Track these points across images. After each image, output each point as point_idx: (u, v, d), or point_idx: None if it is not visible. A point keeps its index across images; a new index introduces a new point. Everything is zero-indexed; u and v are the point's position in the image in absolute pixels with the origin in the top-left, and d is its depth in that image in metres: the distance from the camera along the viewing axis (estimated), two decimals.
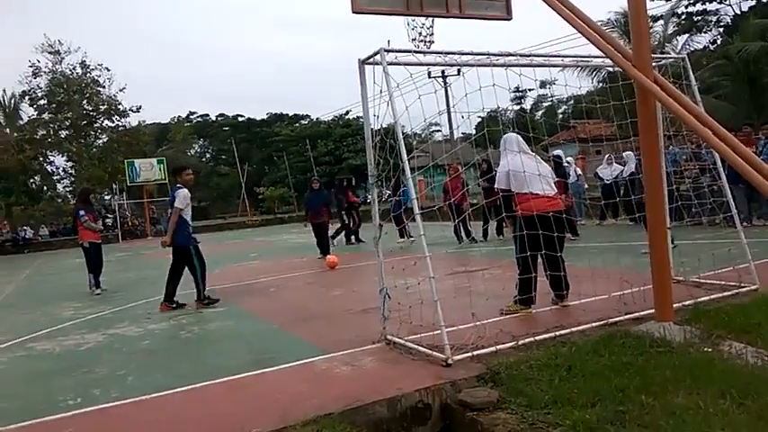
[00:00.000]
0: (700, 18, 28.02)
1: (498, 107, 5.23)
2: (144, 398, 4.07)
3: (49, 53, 33.76)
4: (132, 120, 36.78)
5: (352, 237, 14.88)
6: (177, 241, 7.52)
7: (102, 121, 35.75)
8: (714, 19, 28.39)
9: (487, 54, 5.00)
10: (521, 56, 5.17)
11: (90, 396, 4.26)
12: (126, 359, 5.28)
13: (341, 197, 15.05)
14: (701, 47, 27.14)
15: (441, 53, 4.90)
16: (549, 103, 49.25)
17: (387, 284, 4.91)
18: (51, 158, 35.37)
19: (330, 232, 12.67)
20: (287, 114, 56.52)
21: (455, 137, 26.66)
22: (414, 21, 5.50)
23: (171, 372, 4.72)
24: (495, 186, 5.66)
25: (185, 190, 7.56)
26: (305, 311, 6.74)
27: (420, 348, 4.40)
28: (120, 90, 35.13)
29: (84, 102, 34.58)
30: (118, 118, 35.57)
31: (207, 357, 5.09)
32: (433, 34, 5.66)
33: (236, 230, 30.71)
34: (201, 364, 4.87)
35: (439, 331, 4.19)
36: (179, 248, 7.57)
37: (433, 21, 5.55)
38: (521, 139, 5.70)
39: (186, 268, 7.61)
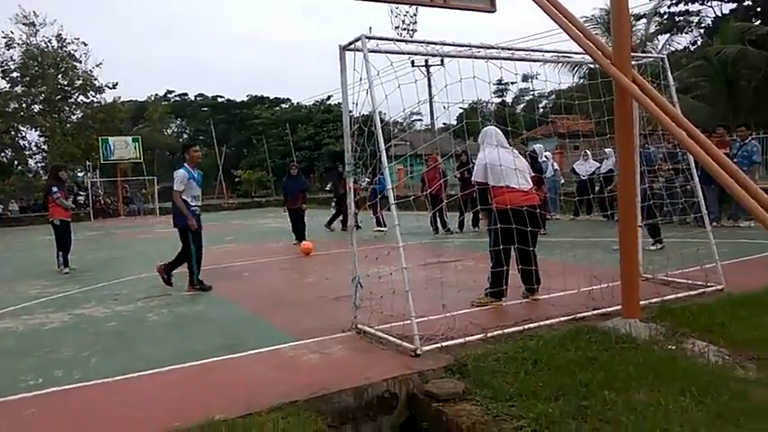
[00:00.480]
0: (681, 18, 28.39)
1: (479, 99, 5.24)
2: (107, 380, 4.01)
3: (24, 24, 32.90)
4: (108, 96, 36.08)
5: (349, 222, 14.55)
6: (177, 222, 7.33)
7: (77, 97, 34.97)
8: (696, 20, 28.79)
9: (469, 45, 4.98)
10: (502, 49, 5.16)
11: (52, 377, 4.18)
12: (91, 340, 5.19)
13: (336, 184, 14.83)
14: (682, 47, 27.51)
15: (422, 43, 4.87)
16: (531, 97, 49.49)
17: (360, 273, 4.90)
18: (23, 133, 34.56)
19: (331, 218, 12.52)
20: (267, 97, 55.89)
21: (435, 127, 26.72)
22: (398, 8, 5.45)
23: (137, 354, 4.65)
24: (473, 179, 5.67)
25: (182, 170, 7.28)
26: (277, 297, 6.71)
27: (390, 338, 4.41)
28: (97, 65, 34.44)
29: (59, 76, 33.76)
30: (93, 94, 34.87)
31: (174, 341, 5.03)
32: (416, 23, 5.61)
33: (212, 213, 30.31)
34: (169, 347, 4.82)
35: (409, 321, 4.19)
36: (179, 230, 7.37)
37: (416, 9, 5.51)
38: (499, 132, 5.71)
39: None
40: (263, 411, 3.24)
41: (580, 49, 4.82)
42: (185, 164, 7.41)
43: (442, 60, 6.04)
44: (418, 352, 4.06)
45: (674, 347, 3.97)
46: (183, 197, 7.22)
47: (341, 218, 14.50)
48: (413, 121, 52.70)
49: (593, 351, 3.87)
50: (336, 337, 4.73)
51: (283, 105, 53.97)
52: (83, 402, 3.69)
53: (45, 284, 8.66)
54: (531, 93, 44.66)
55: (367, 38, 4.47)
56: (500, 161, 5.35)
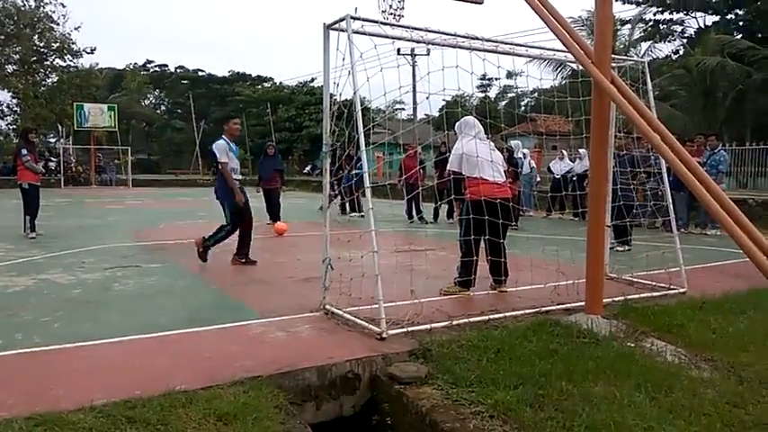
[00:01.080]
0: (665, 27, 28.75)
1: (462, 91, 5.26)
2: (68, 346, 3.96)
3: None
4: (85, 62, 35.14)
5: (347, 207, 14.28)
6: (221, 195, 7.16)
7: (53, 60, 33.97)
8: (679, 29, 29.20)
9: (454, 35, 4.98)
10: (486, 41, 5.18)
11: (11, 340, 4.11)
12: (54, 306, 5.11)
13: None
14: (664, 55, 27.91)
15: (407, 28, 4.85)
16: (514, 94, 49.79)
17: (331, 255, 4.91)
18: None
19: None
20: (250, 75, 55.13)
21: (417, 117, 26.72)
22: None
23: (99, 322, 4.60)
24: (448, 168, 5.70)
25: (221, 141, 7.12)
26: (247, 275, 6.67)
27: (357, 320, 4.43)
28: (75, 29, 33.43)
29: (36, 37, 32.72)
30: (70, 58, 33.85)
31: (139, 312, 4.98)
32: (403, 8, 5.61)
33: (187, 188, 30.00)
34: (133, 317, 4.77)
35: (377, 305, 4.22)
36: (221, 204, 7.20)
37: None
38: (478, 123, 5.74)
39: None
40: (225, 385, 3.24)
41: (563, 48, 4.87)
42: (224, 135, 7.24)
43: (428, 50, 6.05)
44: (384, 335, 4.10)
45: (632, 345, 4.07)
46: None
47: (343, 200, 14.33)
48: (396, 109, 52.58)
49: (555, 344, 3.95)
50: (304, 316, 4.74)
51: (265, 84, 53.22)
52: (41, 366, 3.64)
53: (10, 248, 8.48)
54: (515, 90, 44.94)
55: (352, 18, 4.45)
56: (477, 152, 5.39)
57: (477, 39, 5.09)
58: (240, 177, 7.35)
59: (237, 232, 7.28)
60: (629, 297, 5.28)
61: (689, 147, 10.92)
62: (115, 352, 3.91)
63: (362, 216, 12.03)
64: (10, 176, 20.79)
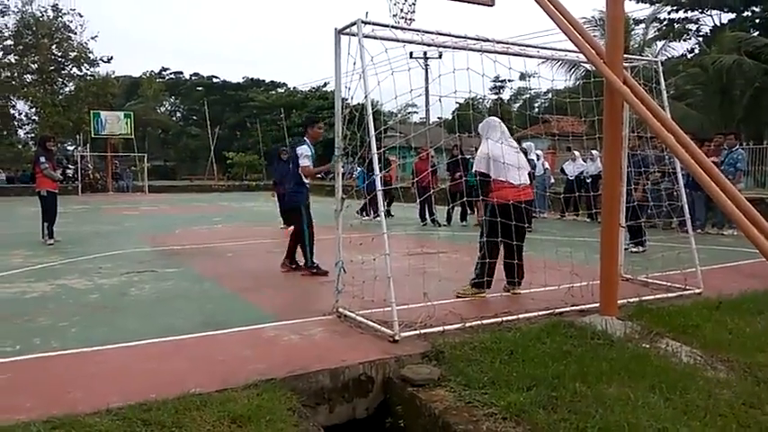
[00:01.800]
0: (680, 25, 28.48)
1: (475, 94, 5.23)
2: (85, 350, 4.02)
3: None
4: (102, 70, 35.64)
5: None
6: (291, 203, 7.13)
7: (71, 69, 34.46)
8: (694, 28, 28.90)
9: (465, 37, 4.99)
10: (497, 43, 5.17)
11: (30, 344, 4.18)
12: (71, 311, 5.18)
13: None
14: (679, 54, 27.66)
15: (418, 31, 4.87)
16: (527, 96, 49.61)
17: (343, 258, 4.93)
18: (14, 102, 34.08)
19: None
20: (263, 81, 55.48)
21: (430, 120, 26.71)
22: None
23: (116, 327, 4.65)
24: (474, 168, 5.66)
25: (306, 146, 6.98)
26: (260, 279, 6.72)
27: (369, 323, 4.45)
28: (92, 38, 33.91)
29: (54, 47, 33.24)
30: (87, 67, 34.33)
31: (155, 316, 5.03)
32: (414, 12, 5.62)
33: (202, 193, 30.27)
34: (149, 322, 4.82)
35: (389, 308, 4.23)
36: (293, 209, 7.13)
37: None
38: (502, 124, 5.72)
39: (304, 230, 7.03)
40: (239, 387, 3.27)
41: (575, 48, 4.86)
42: (306, 139, 7.13)
43: (440, 53, 6.06)
44: (396, 338, 4.11)
45: (647, 346, 4.04)
46: (303, 172, 6.96)
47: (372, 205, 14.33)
48: (408, 112, 52.64)
49: (568, 345, 3.92)
50: (317, 319, 4.76)
51: (279, 90, 53.56)
52: (58, 370, 3.70)
53: (28, 255, 8.61)
54: (528, 91, 44.77)
55: (363, 22, 4.47)
56: (503, 155, 5.39)
57: (488, 41, 5.08)
58: (308, 182, 7.24)
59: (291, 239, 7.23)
60: (643, 298, 5.23)
61: (706, 147, 10.82)
62: (131, 356, 3.95)
63: (369, 218, 12.07)
64: (29, 184, 21.14)
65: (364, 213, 12.54)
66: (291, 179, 7.12)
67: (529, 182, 5.70)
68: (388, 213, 14.38)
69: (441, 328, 4.29)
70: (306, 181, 7.08)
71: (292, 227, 10.80)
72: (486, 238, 5.45)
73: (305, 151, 6.96)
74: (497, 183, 5.43)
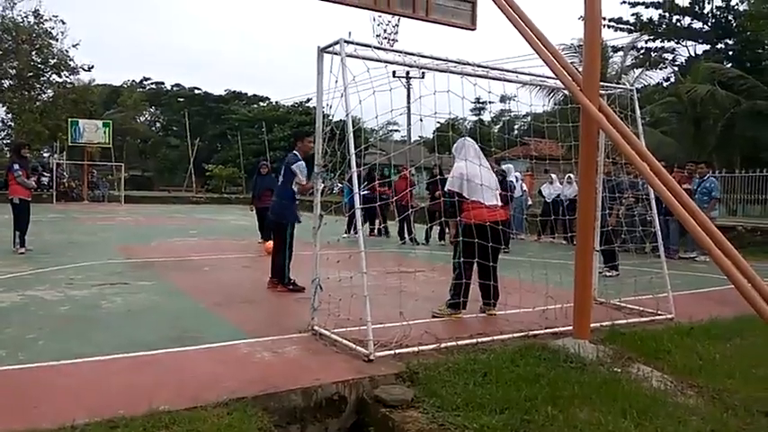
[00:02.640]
0: (656, 54, 29.18)
1: (454, 115, 5.30)
2: (52, 363, 3.93)
3: None
4: (82, 78, 35.29)
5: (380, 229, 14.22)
6: (279, 217, 6.96)
7: (50, 76, 34.04)
8: (670, 57, 29.64)
9: (446, 60, 5.06)
10: (478, 66, 5.25)
11: None
12: (40, 323, 5.07)
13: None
14: (655, 82, 28.29)
15: (400, 52, 4.93)
16: (507, 117, 50.27)
17: (320, 275, 4.91)
18: None
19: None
20: (246, 94, 55.42)
21: (411, 139, 26.91)
22: (380, 17, 5.52)
23: (86, 340, 4.56)
24: (447, 187, 5.70)
25: (301, 162, 6.80)
26: (235, 294, 6.65)
27: (344, 342, 4.43)
28: (74, 46, 33.56)
29: (33, 53, 32.84)
30: (67, 74, 34.00)
31: (126, 330, 4.94)
32: (397, 33, 5.69)
33: (180, 205, 29.95)
34: (119, 335, 4.73)
35: (365, 327, 4.22)
36: (279, 224, 6.97)
37: (399, 20, 5.59)
38: (477, 147, 5.78)
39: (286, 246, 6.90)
40: (209, 406, 3.22)
41: (553, 75, 4.95)
42: (297, 153, 6.95)
43: (422, 74, 6.13)
44: (371, 357, 4.09)
45: (619, 370, 4.08)
46: (294, 188, 6.86)
47: (381, 224, 14.35)
48: (390, 131, 52.94)
49: (541, 368, 3.94)
50: (291, 337, 4.73)
51: (261, 103, 53.52)
52: (24, 384, 3.61)
53: None
54: (508, 113, 45.36)
55: (346, 42, 4.51)
56: (474, 176, 5.43)
57: (469, 64, 5.16)
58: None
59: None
60: (616, 322, 5.29)
61: (678, 173, 11.06)
62: (100, 370, 3.88)
63: (349, 236, 12.07)
64: (1, 190, 20.71)
65: (353, 231, 12.53)
66: (280, 194, 6.98)
67: (501, 203, 5.75)
68: (384, 231, 14.26)
69: (416, 349, 4.29)
70: (298, 196, 7.01)
71: (270, 242, 10.80)
72: (458, 259, 5.47)
73: (301, 167, 6.83)
74: (467, 203, 5.46)
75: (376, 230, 14.48)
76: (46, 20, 32.84)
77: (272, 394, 3.47)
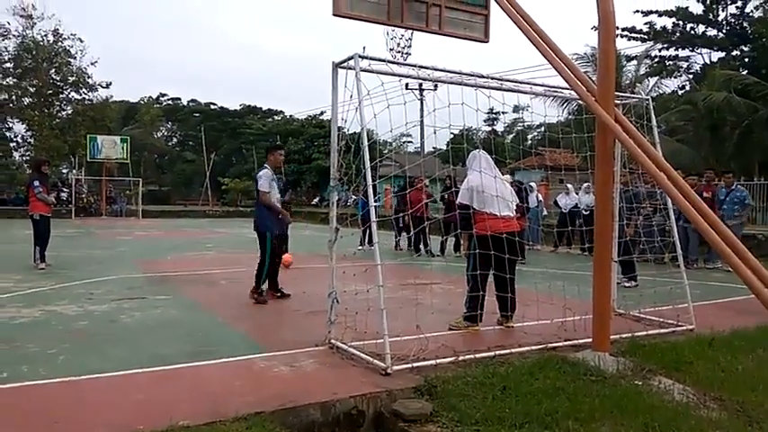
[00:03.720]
0: (671, 63, 29.04)
1: (468, 126, 5.31)
2: (72, 378, 3.97)
3: (21, 16, 32.65)
4: (100, 95, 35.83)
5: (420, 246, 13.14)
6: (259, 227, 7.08)
7: (69, 93, 34.67)
8: (685, 65, 29.47)
9: (459, 73, 5.08)
10: (492, 79, 5.26)
11: (17, 372, 4.12)
12: (60, 338, 5.13)
13: (399, 200, 13.72)
14: (670, 91, 28.10)
15: (414, 66, 4.95)
16: (521, 127, 50.22)
17: (337, 289, 4.91)
18: (10, 124, 34.16)
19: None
20: (260, 108, 55.98)
21: (425, 150, 26.95)
22: (393, 31, 5.57)
23: (105, 355, 4.60)
24: (457, 201, 5.71)
25: (268, 170, 7.02)
26: (252, 307, 6.68)
27: (362, 355, 4.42)
28: (92, 63, 34.17)
29: (53, 71, 33.51)
30: (86, 91, 34.58)
31: (144, 344, 4.98)
32: (410, 47, 5.74)
33: (196, 219, 30.19)
34: (138, 350, 4.77)
35: (382, 340, 4.21)
36: (260, 234, 7.11)
37: (412, 33, 5.63)
38: (489, 158, 5.78)
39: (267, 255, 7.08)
40: (228, 420, 3.23)
41: (567, 85, 4.95)
42: (266, 165, 7.14)
43: (435, 85, 6.15)
44: (389, 371, 4.08)
45: (640, 383, 4.02)
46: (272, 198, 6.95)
47: (407, 235, 13.94)
48: (404, 142, 53.09)
49: (561, 381, 3.90)
50: (309, 350, 4.73)
51: (276, 117, 54.05)
52: (45, 399, 3.64)
53: (19, 279, 8.54)
54: (521, 124, 45.24)
55: (360, 57, 4.55)
56: (485, 187, 5.43)
57: (483, 77, 5.18)
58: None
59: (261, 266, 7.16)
60: (636, 334, 5.23)
61: (690, 180, 10.95)
62: (119, 385, 3.90)
63: (364, 248, 12.07)
64: (22, 206, 21.03)
65: (367, 243, 12.53)
66: (258, 205, 7.13)
67: (513, 214, 5.72)
68: (440, 250, 13.16)
69: (433, 362, 4.27)
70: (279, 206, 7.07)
71: (285, 255, 10.85)
72: (471, 271, 5.45)
73: (265, 176, 6.98)
74: (479, 214, 5.46)
75: (406, 245, 14.03)
76: (65, 38, 33.55)
77: (290, 409, 3.47)
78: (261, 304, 6.85)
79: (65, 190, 31.19)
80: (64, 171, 39.54)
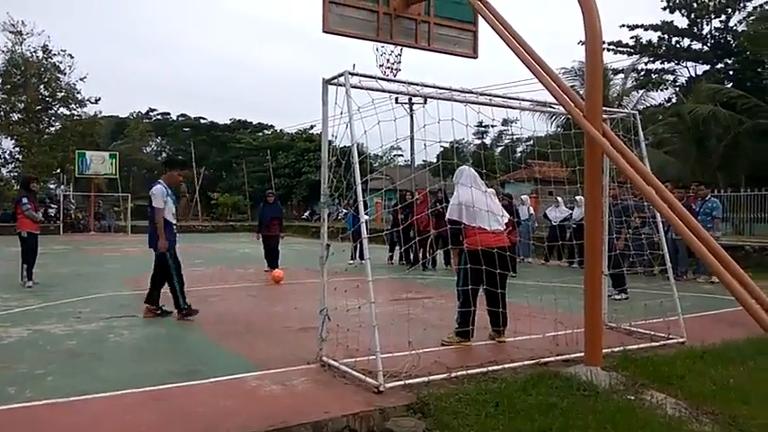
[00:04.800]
0: (657, 76, 29.44)
1: (456, 140, 5.35)
2: (60, 400, 3.91)
3: (10, 32, 32.58)
4: (89, 110, 35.71)
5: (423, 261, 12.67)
6: (153, 243, 6.95)
7: (58, 109, 34.55)
8: (671, 78, 29.89)
9: (449, 89, 5.11)
10: (480, 94, 5.31)
11: (4, 394, 4.07)
12: (48, 358, 5.06)
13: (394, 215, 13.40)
14: (657, 103, 28.47)
15: (404, 83, 4.98)
16: (509, 140, 50.58)
17: (328, 305, 4.89)
18: None
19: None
20: (250, 122, 55.94)
21: (415, 164, 27.04)
22: (383, 47, 5.61)
23: (94, 375, 4.54)
24: (447, 216, 5.74)
25: (160, 186, 6.90)
26: (242, 325, 6.62)
27: (354, 373, 4.39)
28: (81, 79, 34.10)
29: (42, 87, 33.42)
30: (75, 107, 34.46)
31: (133, 364, 4.92)
32: (400, 62, 5.78)
33: (185, 234, 29.92)
34: (127, 370, 4.71)
35: (374, 357, 4.19)
36: (157, 254, 7.00)
37: (401, 49, 5.68)
38: (475, 173, 5.83)
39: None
40: None
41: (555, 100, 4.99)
42: (162, 181, 7.08)
43: (425, 99, 6.19)
44: (381, 388, 4.05)
45: (632, 398, 4.02)
46: (165, 216, 6.88)
47: (401, 249, 13.79)
48: (394, 155, 53.24)
49: (554, 397, 3.90)
50: (300, 368, 4.69)
51: (266, 131, 54.06)
52: (33, 422, 3.59)
53: (6, 297, 8.44)
54: (510, 137, 45.56)
55: (350, 74, 4.57)
56: (474, 202, 5.45)
57: (472, 92, 5.22)
58: (176, 222, 7.22)
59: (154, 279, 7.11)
60: (628, 347, 5.24)
61: (678, 193, 11.07)
62: (108, 407, 3.85)
63: (355, 263, 12.04)
64: (9, 223, 20.82)
65: (358, 257, 12.50)
66: (151, 223, 7.00)
67: (509, 228, 5.74)
68: (431, 264, 12.82)
69: (426, 379, 4.25)
70: (173, 222, 7.04)
71: (276, 270, 10.81)
72: (461, 286, 5.45)
73: (159, 191, 6.87)
74: (469, 229, 5.47)
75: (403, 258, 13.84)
76: (54, 54, 33.48)
77: (281, 429, 3.43)
78: (192, 315, 6.82)
79: (53, 206, 30.90)
80: (52, 187, 39.21)
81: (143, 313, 7.02)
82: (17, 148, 34.11)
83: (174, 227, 7.13)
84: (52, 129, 34.77)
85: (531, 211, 15.81)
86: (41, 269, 10.39)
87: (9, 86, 32.59)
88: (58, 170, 33.63)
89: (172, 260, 6.97)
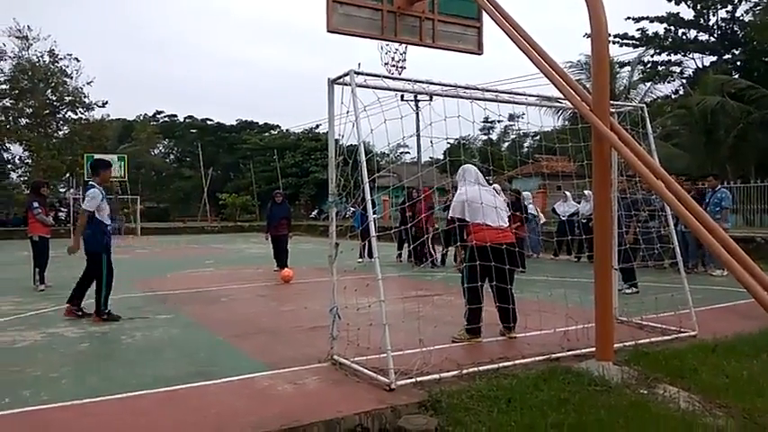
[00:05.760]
0: (664, 68, 29.25)
1: (462, 137, 5.35)
2: (75, 402, 3.94)
3: (17, 38, 32.78)
4: (97, 114, 35.91)
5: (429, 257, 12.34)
6: (90, 247, 7.00)
7: (66, 113, 34.78)
8: (678, 70, 29.70)
9: (455, 86, 5.10)
10: (487, 91, 5.30)
11: (19, 397, 4.10)
12: (62, 361, 5.10)
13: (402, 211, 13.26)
14: (664, 95, 28.29)
15: (409, 81, 4.98)
16: (515, 135, 50.40)
17: (338, 304, 4.90)
18: (8, 145, 34.19)
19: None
20: (257, 123, 56.11)
21: (422, 161, 27.03)
22: (387, 45, 5.61)
23: (107, 377, 4.58)
24: (450, 214, 5.74)
25: (95, 190, 6.98)
26: (253, 325, 6.65)
27: (365, 371, 4.40)
28: (88, 83, 34.32)
29: (49, 91, 33.62)
30: (82, 111, 34.68)
31: (146, 365, 4.95)
32: (405, 60, 5.78)
33: (195, 235, 30.17)
34: (140, 372, 4.74)
35: (385, 355, 4.20)
36: (91, 254, 7.03)
37: (406, 47, 5.68)
38: (478, 171, 5.83)
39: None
40: None
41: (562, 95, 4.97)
42: (94, 182, 7.13)
43: (430, 96, 6.18)
44: (392, 386, 4.06)
45: (645, 392, 4.01)
46: (99, 217, 6.94)
47: (409, 247, 13.64)
48: (400, 153, 53.21)
49: (566, 392, 3.89)
50: (311, 367, 4.71)
51: (272, 132, 54.19)
52: (48, 425, 3.62)
53: (19, 301, 8.52)
54: (516, 132, 45.41)
55: (356, 73, 4.57)
56: (478, 198, 5.45)
57: (477, 89, 5.21)
58: (110, 223, 7.24)
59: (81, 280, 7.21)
60: (639, 342, 5.22)
61: (685, 185, 10.97)
62: (122, 408, 3.88)
63: (364, 261, 12.06)
64: (20, 227, 20.98)
65: (367, 256, 12.51)
66: (89, 223, 7.01)
67: (508, 223, 5.73)
68: (440, 261, 12.69)
69: (437, 376, 4.25)
70: (108, 223, 7.09)
71: (285, 270, 10.84)
72: (466, 284, 5.44)
73: (94, 195, 6.94)
74: (474, 226, 5.47)
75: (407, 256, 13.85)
76: (60, 58, 33.67)
77: (294, 428, 3.45)
78: (114, 321, 6.82)
79: (63, 209, 31.13)
80: (62, 190, 39.50)
81: (64, 312, 7.12)
82: (26, 153, 34.36)
83: (109, 227, 7.17)
84: (60, 133, 34.98)
85: (537, 210, 15.67)
86: (53, 272, 10.46)
87: (17, 92, 32.80)
88: (68, 174, 33.81)
89: (106, 265, 7.01)
